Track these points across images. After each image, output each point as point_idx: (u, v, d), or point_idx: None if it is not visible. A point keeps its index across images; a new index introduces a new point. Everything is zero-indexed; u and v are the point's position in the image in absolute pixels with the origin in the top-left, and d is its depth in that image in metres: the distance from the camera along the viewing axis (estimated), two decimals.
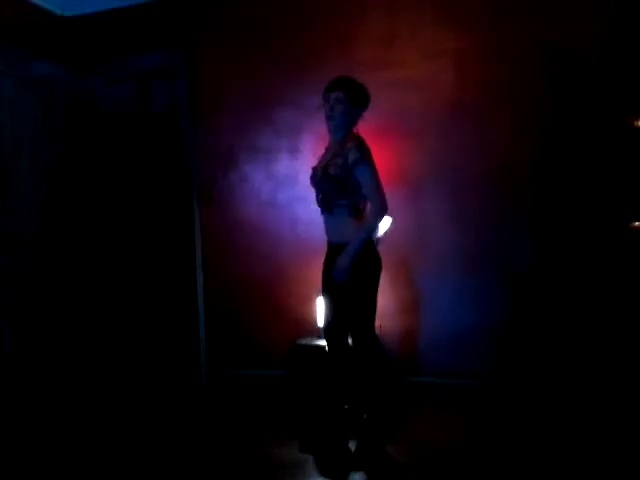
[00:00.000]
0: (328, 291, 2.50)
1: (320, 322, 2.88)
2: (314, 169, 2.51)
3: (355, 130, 2.48)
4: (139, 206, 3.70)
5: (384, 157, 3.16)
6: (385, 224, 2.69)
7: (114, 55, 3.65)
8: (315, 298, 3.04)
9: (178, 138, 3.55)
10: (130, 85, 3.65)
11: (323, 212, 2.48)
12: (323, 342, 2.76)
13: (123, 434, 2.93)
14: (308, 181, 2.59)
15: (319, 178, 2.42)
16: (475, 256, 3.09)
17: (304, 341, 2.98)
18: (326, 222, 2.48)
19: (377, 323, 3.19)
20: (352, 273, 2.32)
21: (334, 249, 2.42)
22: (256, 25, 3.38)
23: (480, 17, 3.02)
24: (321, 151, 2.64)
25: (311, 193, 2.58)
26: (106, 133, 3.74)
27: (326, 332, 2.55)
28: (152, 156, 3.67)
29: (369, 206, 2.39)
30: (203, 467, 2.53)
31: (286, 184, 3.36)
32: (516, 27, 2.97)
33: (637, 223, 2.84)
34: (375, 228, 2.36)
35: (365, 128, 3.18)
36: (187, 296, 3.58)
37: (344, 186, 2.34)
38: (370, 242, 2.38)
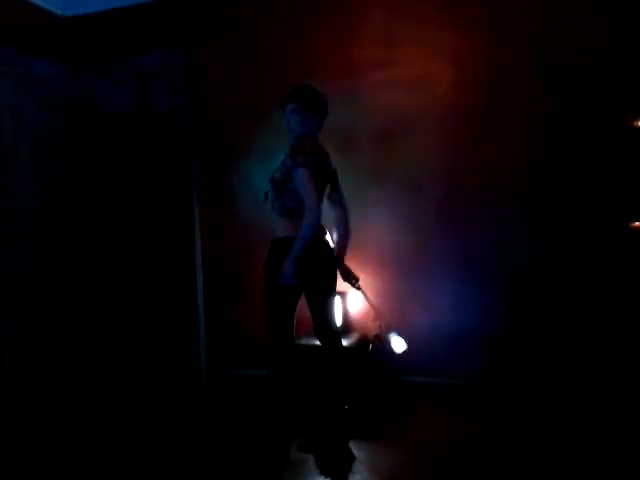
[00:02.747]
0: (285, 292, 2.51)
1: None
2: None
3: (309, 137, 2.54)
4: (139, 206, 3.70)
5: (384, 157, 3.18)
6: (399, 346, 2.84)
7: (114, 55, 3.65)
8: None
9: (178, 138, 3.55)
10: (130, 85, 3.65)
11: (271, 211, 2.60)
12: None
13: (123, 434, 2.92)
14: None
15: (269, 181, 2.55)
16: (475, 256, 3.09)
17: (303, 341, 2.98)
18: (271, 220, 2.59)
19: (377, 323, 3.22)
20: (320, 271, 2.50)
21: (272, 243, 2.54)
22: (256, 25, 3.38)
23: (480, 17, 3.02)
24: None
25: None
26: (106, 133, 3.74)
27: (283, 343, 2.55)
28: (152, 156, 3.66)
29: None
30: (203, 467, 2.52)
31: None
32: (516, 27, 2.97)
33: (637, 223, 2.83)
34: (309, 230, 2.39)
35: (365, 128, 3.20)
36: (187, 296, 3.58)
37: (283, 189, 2.47)
38: (318, 242, 2.48)
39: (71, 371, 3.54)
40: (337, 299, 3.05)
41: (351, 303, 3.21)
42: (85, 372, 3.61)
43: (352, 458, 2.47)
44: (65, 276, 3.56)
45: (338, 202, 2.69)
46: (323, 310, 2.55)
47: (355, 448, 2.57)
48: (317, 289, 2.55)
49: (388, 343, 2.85)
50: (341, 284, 3.07)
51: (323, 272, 2.53)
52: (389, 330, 2.86)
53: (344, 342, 2.95)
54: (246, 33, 3.40)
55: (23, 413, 3.14)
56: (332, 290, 2.58)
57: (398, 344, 2.83)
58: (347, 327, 3.16)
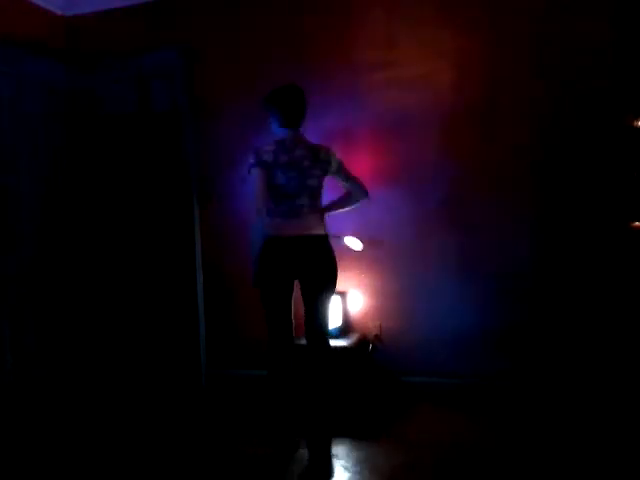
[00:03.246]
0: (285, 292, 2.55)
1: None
2: None
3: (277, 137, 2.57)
4: (139, 206, 3.70)
5: (384, 157, 3.18)
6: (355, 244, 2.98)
7: (114, 55, 3.65)
8: None
9: (178, 138, 3.55)
10: (130, 85, 3.65)
11: None
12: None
13: (123, 434, 2.93)
14: None
15: None
16: (475, 256, 3.09)
17: (303, 341, 2.98)
18: None
19: (377, 323, 3.22)
20: (307, 271, 2.49)
21: None
22: (256, 25, 3.38)
23: (480, 17, 3.02)
24: None
25: None
26: (106, 133, 3.74)
27: (284, 343, 2.57)
28: (152, 156, 3.66)
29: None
30: (202, 467, 2.52)
31: None
32: (516, 27, 2.97)
33: (638, 223, 2.83)
34: (253, 232, 2.50)
35: (365, 128, 3.20)
36: (187, 296, 3.58)
37: None
38: (302, 241, 2.46)
39: (71, 371, 3.54)
40: (335, 300, 3.06)
41: (351, 303, 3.21)
42: (85, 372, 3.61)
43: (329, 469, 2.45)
44: (65, 276, 3.55)
45: (353, 189, 2.68)
46: (312, 311, 2.54)
47: (355, 448, 2.58)
48: (306, 289, 2.53)
49: (347, 243, 2.92)
50: (340, 286, 3.07)
51: (309, 272, 2.49)
52: (341, 235, 2.87)
53: (344, 342, 2.96)
54: (246, 33, 3.40)
55: (24, 413, 3.14)
56: (322, 291, 2.53)
57: (354, 243, 2.92)
58: (347, 327, 3.16)
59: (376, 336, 3.21)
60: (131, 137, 3.70)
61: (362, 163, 3.17)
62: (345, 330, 3.13)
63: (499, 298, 3.06)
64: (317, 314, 2.53)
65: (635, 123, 2.82)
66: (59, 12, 3.68)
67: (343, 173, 2.63)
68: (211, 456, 2.63)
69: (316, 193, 2.54)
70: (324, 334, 2.57)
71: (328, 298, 2.55)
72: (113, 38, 3.65)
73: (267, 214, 2.48)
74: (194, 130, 3.52)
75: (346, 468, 2.42)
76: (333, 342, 2.92)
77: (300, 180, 2.47)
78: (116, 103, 3.70)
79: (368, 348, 3.14)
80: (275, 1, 3.36)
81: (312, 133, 2.81)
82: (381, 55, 3.15)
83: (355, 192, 2.70)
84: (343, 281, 3.17)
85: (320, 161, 2.52)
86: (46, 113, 3.45)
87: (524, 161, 2.99)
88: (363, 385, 2.98)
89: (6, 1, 3.25)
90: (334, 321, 3.05)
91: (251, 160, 2.47)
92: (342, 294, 3.14)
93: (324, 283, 2.52)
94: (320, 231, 2.53)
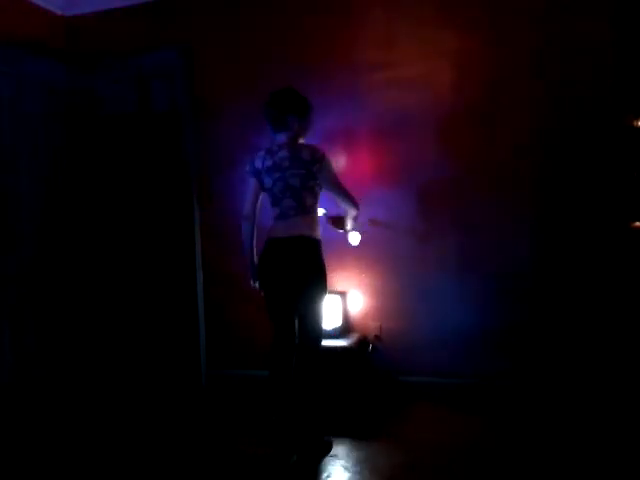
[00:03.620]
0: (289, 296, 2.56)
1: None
2: None
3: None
4: (139, 206, 3.70)
5: (384, 156, 3.18)
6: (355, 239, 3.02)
7: (114, 55, 3.65)
8: None
9: (178, 138, 3.55)
10: (130, 85, 3.65)
11: None
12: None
13: (123, 434, 2.93)
14: None
15: None
16: (475, 256, 3.09)
17: None
18: None
19: (377, 323, 3.22)
20: (314, 272, 2.49)
21: None
22: (256, 25, 3.38)
23: (480, 17, 3.02)
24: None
25: None
26: (106, 133, 3.73)
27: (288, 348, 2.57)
28: (152, 156, 3.66)
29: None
30: (202, 467, 2.53)
31: None
32: (516, 27, 2.97)
33: (638, 223, 2.83)
34: (242, 237, 2.62)
35: (365, 128, 3.20)
36: (187, 296, 3.58)
37: None
38: (290, 244, 2.47)
39: (71, 371, 3.54)
40: (335, 300, 3.06)
41: (351, 303, 3.21)
42: (85, 372, 3.61)
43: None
44: (65, 276, 3.55)
45: (344, 204, 2.71)
46: (301, 313, 2.53)
47: (355, 448, 2.58)
48: (295, 291, 2.51)
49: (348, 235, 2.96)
50: (340, 286, 3.08)
51: (295, 274, 2.47)
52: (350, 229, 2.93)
53: (344, 342, 2.97)
54: (246, 33, 3.40)
55: (24, 413, 3.14)
56: (307, 293, 2.50)
57: (354, 237, 2.97)
58: (347, 327, 3.16)
59: (376, 336, 3.21)
60: (131, 137, 3.70)
61: (362, 163, 3.18)
62: (345, 330, 3.13)
63: (499, 298, 3.05)
64: (305, 317, 2.52)
65: (635, 123, 2.83)
66: (59, 12, 3.68)
67: (332, 184, 2.58)
68: (211, 456, 2.63)
69: (302, 194, 2.47)
70: (313, 339, 2.55)
71: (315, 300, 2.51)
72: (113, 38, 3.65)
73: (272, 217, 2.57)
74: (194, 130, 3.52)
75: (346, 468, 2.43)
76: (333, 342, 2.94)
77: (284, 182, 2.48)
78: (116, 103, 3.70)
79: (368, 348, 3.14)
80: (275, 1, 3.37)
81: (312, 133, 2.82)
82: (381, 55, 3.15)
83: (345, 207, 2.74)
84: (343, 281, 3.18)
85: (301, 160, 2.47)
86: (46, 113, 3.45)
87: (524, 161, 2.99)
88: (363, 385, 2.98)
89: (6, 1, 3.26)
90: (334, 321, 3.05)
91: (246, 168, 2.59)
92: (342, 294, 3.14)
93: (308, 285, 2.49)
94: (306, 232, 2.47)
